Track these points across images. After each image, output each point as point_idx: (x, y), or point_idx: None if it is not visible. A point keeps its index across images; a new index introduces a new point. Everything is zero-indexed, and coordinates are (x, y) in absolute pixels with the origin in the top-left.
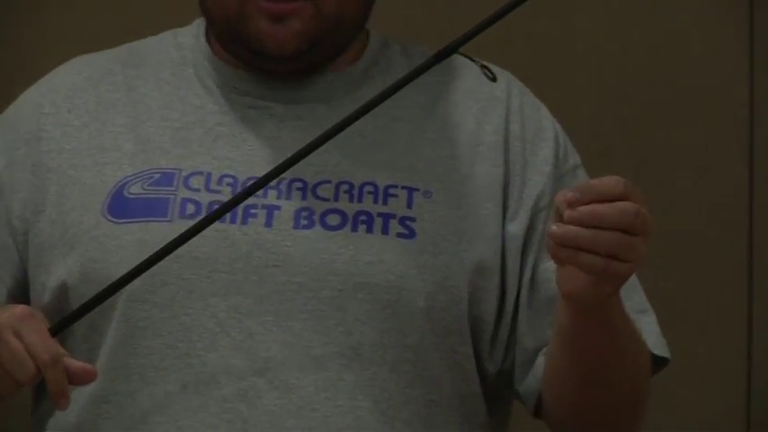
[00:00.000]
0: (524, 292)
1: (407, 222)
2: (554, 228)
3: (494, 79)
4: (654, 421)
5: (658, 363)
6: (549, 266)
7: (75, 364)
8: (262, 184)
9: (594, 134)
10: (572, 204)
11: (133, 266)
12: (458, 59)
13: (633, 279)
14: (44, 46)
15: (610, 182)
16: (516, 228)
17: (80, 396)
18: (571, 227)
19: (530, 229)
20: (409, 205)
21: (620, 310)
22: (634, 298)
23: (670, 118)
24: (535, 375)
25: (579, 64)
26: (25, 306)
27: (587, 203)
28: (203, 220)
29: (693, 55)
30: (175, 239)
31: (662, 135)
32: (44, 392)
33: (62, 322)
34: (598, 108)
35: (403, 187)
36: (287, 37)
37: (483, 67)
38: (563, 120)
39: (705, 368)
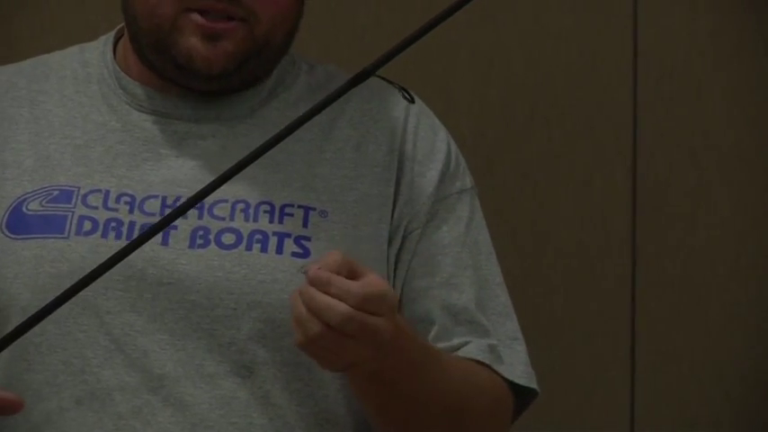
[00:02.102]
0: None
1: (302, 242)
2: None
3: (411, 101)
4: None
5: (527, 394)
6: (416, 286)
7: (2, 395)
8: (189, 205)
9: (476, 147)
10: (310, 280)
11: (28, 282)
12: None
13: (507, 305)
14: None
15: (348, 285)
16: (392, 248)
17: None
18: (296, 299)
19: (400, 249)
20: (305, 224)
21: (414, 368)
22: (506, 324)
23: (552, 130)
24: None
25: (460, 76)
26: None
27: (321, 286)
28: (132, 242)
29: (577, 64)
30: (105, 261)
31: (544, 147)
32: None
33: None
34: (479, 121)
35: (299, 206)
36: (217, 56)
37: (401, 89)
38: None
39: (591, 377)
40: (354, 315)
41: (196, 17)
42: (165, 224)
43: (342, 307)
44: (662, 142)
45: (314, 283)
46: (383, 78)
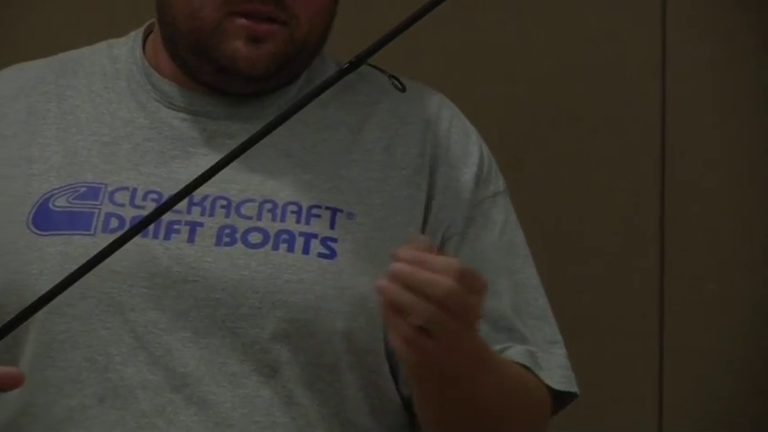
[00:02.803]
0: None
1: (329, 243)
2: (378, 282)
3: (403, 90)
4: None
5: (566, 396)
6: None
7: (0, 369)
8: (177, 199)
9: (505, 145)
10: (404, 259)
11: (54, 279)
12: (378, 77)
13: (546, 309)
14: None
15: (446, 260)
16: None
17: (4, 408)
18: (394, 285)
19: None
20: (332, 226)
21: (470, 365)
22: (545, 328)
23: (581, 128)
24: None
25: (488, 74)
26: None
27: (419, 263)
28: (122, 235)
29: (605, 62)
30: (96, 254)
31: (573, 145)
32: None
33: None
34: (508, 118)
35: (326, 207)
36: (261, 58)
37: (392, 77)
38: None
39: (619, 376)
40: (458, 289)
41: (241, 20)
42: (154, 217)
43: (446, 280)
44: (690, 141)
45: (409, 259)
46: (374, 67)
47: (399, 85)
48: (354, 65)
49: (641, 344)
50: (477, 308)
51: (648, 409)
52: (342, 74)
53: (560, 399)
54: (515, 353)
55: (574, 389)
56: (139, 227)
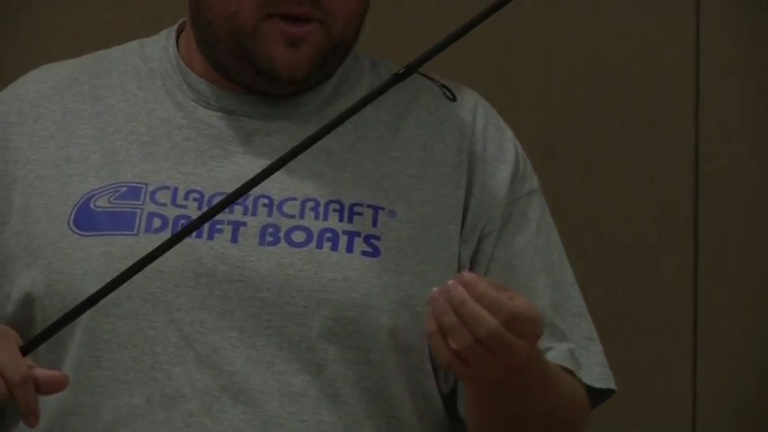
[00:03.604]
0: None
1: (372, 241)
2: (434, 290)
3: (453, 99)
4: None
5: (603, 392)
6: None
7: (44, 373)
8: (227, 202)
9: (539, 142)
10: (465, 284)
11: (98, 279)
12: (420, 78)
13: (581, 306)
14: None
15: (502, 301)
16: (467, 250)
17: (46, 408)
18: (444, 303)
19: (476, 252)
20: (374, 224)
21: (514, 379)
22: (582, 325)
23: (615, 122)
24: None
25: (522, 71)
26: None
27: (475, 294)
28: (170, 239)
29: (639, 59)
30: (145, 256)
31: (607, 139)
32: (12, 405)
33: (33, 341)
34: (542, 111)
35: (368, 206)
36: (300, 62)
37: (443, 86)
38: (507, 123)
39: (652, 373)
40: (502, 333)
41: (280, 24)
42: (206, 218)
43: (492, 322)
44: (723, 136)
45: (468, 286)
46: (425, 75)
47: (450, 95)
48: (410, 70)
49: (675, 342)
50: (524, 351)
51: (683, 407)
52: (396, 79)
53: (598, 395)
54: (557, 355)
55: (612, 385)
56: (188, 229)
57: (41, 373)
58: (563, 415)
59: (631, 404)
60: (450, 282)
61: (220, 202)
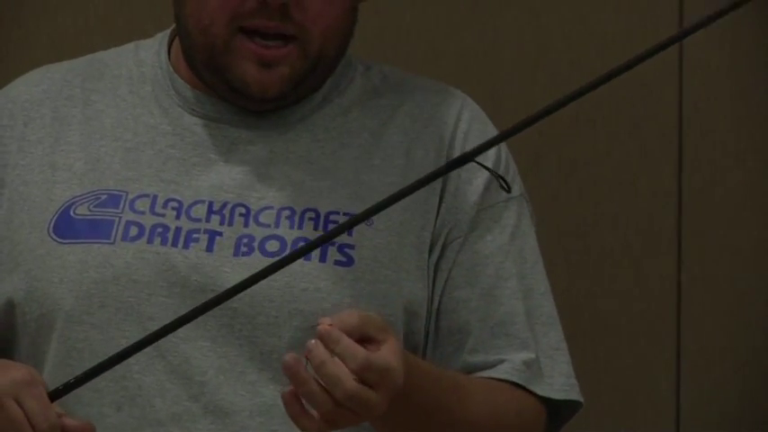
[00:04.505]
0: (432, 320)
1: (346, 250)
2: (287, 357)
3: (509, 190)
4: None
5: (570, 403)
6: (455, 296)
7: (73, 424)
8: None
9: (522, 148)
10: (321, 337)
11: (73, 287)
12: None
13: (552, 315)
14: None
15: (354, 349)
16: (432, 257)
17: None
18: (303, 373)
19: (440, 258)
20: (349, 233)
21: (425, 404)
22: (550, 334)
23: (599, 128)
24: None
25: (507, 73)
26: (27, 369)
27: (330, 344)
28: (285, 257)
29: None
30: (240, 283)
31: (591, 145)
32: None
33: (62, 388)
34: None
35: (344, 214)
36: (273, 82)
37: (499, 177)
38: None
39: (636, 378)
40: (357, 393)
41: (250, 45)
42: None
43: (348, 383)
44: (707, 143)
45: (324, 337)
46: (483, 166)
47: (506, 187)
48: (466, 159)
49: (659, 346)
50: (379, 405)
51: (666, 411)
52: (450, 167)
53: (565, 407)
54: (509, 367)
55: (575, 397)
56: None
57: (70, 423)
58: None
59: (614, 409)
60: (311, 341)
61: (335, 228)
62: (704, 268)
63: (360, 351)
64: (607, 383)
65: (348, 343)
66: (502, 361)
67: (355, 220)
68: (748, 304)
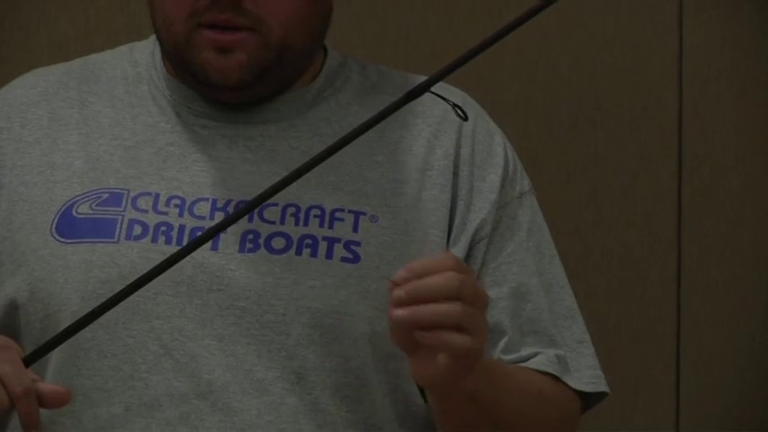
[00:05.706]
0: None
1: (352, 247)
2: (396, 312)
3: (465, 118)
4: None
5: (596, 394)
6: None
7: (47, 387)
8: (243, 212)
9: (521, 149)
10: (398, 284)
11: (78, 287)
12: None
13: (573, 308)
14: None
15: (438, 258)
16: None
17: None
18: (405, 309)
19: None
20: (355, 229)
21: (493, 381)
22: (573, 328)
23: (598, 129)
24: None
25: (506, 77)
26: (0, 336)
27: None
28: (181, 249)
29: (622, 66)
30: (153, 269)
31: (590, 146)
32: (13, 415)
33: (36, 353)
34: (526, 119)
35: (350, 211)
36: (231, 68)
37: (455, 106)
38: None
39: (635, 380)
40: (463, 278)
41: (207, 33)
42: (213, 233)
43: (451, 275)
44: (707, 144)
45: (413, 274)
46: (437, 95)
47: (462, 115)
48: (422, 89)
49: (658, 348)
50: (484, 292)
51: (666, 411)
52: (408, 98)
53: (590, 398)
54: (544, 358)
55: (603, 388)
56: (199, 241)
57: (45, 386)
58: (536, 420)
59: (614, 409)
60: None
61: (235, 212)
62: (704, 268)
63: (440, 257)
64: (607, 383)
65: (428, 261)
66: (536, 354)
67: (250, 207)
68: (748, 305)
